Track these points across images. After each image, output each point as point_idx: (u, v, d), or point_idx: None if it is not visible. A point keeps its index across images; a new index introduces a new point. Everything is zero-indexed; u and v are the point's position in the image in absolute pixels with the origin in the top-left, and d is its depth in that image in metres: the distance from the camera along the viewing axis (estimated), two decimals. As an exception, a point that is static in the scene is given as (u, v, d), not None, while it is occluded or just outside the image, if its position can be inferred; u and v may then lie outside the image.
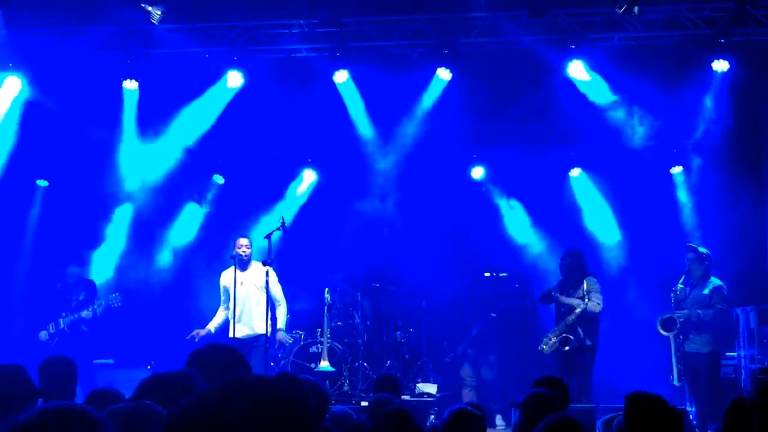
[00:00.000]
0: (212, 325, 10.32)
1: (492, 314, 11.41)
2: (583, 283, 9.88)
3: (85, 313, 10.29)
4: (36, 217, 11.82)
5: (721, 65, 10.06)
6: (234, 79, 10.86)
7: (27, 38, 10.54)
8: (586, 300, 9.73)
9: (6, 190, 11.42)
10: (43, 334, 10.41)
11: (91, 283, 10.86)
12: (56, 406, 2.39)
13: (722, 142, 11.07)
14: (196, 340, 9.99)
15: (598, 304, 9.84)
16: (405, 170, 12.12)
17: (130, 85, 10.94)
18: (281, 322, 10.24)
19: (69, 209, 11.85)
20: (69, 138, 11.51)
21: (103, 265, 11.83)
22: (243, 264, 10.23)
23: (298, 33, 10.43)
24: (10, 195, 11.54)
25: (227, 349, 3.73)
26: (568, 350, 9.75)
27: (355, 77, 10.89)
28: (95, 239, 11.91)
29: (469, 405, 5.26)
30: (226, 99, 11.20)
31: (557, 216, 12.19)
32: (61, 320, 10.41)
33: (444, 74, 10.64)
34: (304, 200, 12.91)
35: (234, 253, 10.12)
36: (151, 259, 12.24)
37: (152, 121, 11.54)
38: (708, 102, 10.68)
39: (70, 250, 11.37)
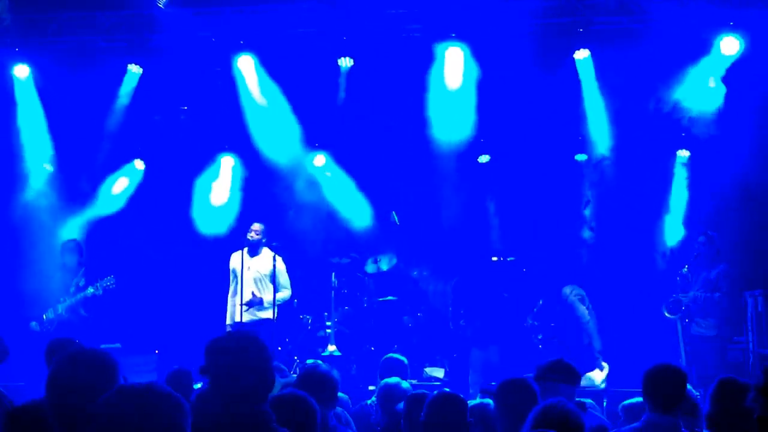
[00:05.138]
0: (229, 320, 10.44)
1: (504, 294, 11.40)
2: None
3: (89, 291, 10.09)
4: (44, 201, 11.70)
5: (730, 45, 9.98)
6: (244, 63, 10.87)
7: (33, 23, 10.55)
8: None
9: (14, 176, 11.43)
10: (34, 324, 10.20)
11: (91, 268, 10.56)
12: (136, 387, 2.50)
13: (733, 122, 10.97)
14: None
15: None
16: (412, 154, 12.09)
17: (135, 70, 10.96)
18: (276, 299, 10.23)
19: (73, 196, 11.81)
20: (72, 123, 11.50)
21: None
22: (253, 249, 10.26)
23: (304, 17, 10.40)
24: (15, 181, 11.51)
25: None
26: None
27: (360, 61, 10.85)
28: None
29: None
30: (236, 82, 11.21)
31: (563, 202, 12.13)
32: (59, 305, 10.20)
33: (452, 55, 10.59)
34: (312, 184, 12.84)
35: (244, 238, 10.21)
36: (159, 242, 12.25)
37: (160, 104, 11.56)
38: (718, 83, 10.59)
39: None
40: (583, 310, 10.20)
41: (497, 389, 4.66)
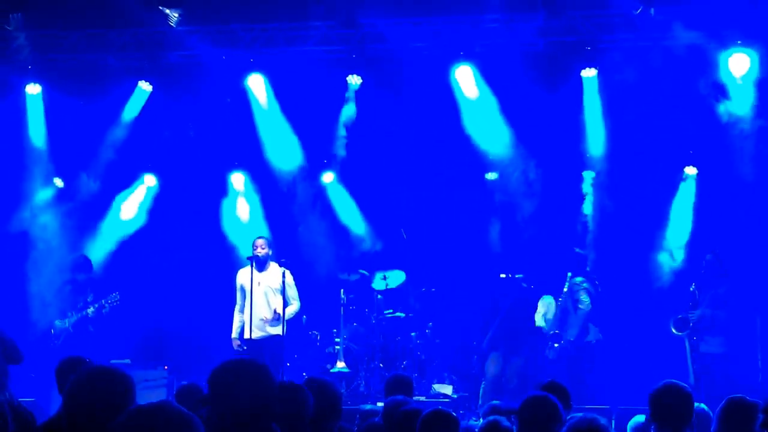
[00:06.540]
0: (234, 334, 10.44)
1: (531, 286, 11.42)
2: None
3: (90, 311, 10.23)
4: (53, 217, 11.77)
5: (740, 64, 9.95)
6: (254, 81, 10.96)
7: (46, 41, 10.67)
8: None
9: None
10: (58, 323, 10.38)
11: (100, 284, 10.75)
12: (147, 407, 2.50)
13: (741, 139, 10.95)
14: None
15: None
16: (421, 171, 12.13)
17: (145, 87, 11.07)
18: (287, 315, 10.27)
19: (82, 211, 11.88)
20: (83, 140, 11.59)
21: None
22: (260, 264, 10.28)
23: (315, 35, 10.48)
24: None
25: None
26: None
27: (371, 79, 10.92)
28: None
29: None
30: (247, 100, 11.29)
31: (571, 217, 12.13)
32: (66, 320, 10.36)
33: (461, 74, 10.65)
34: (320, 200, 12.87)
35: (252, 254, 10.19)
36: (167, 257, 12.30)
37: (170, 122, 11.65)
38: (725, 102, 10.57)
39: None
40: (586, 299, 10.32)
41: (521, 406, 4.64)
